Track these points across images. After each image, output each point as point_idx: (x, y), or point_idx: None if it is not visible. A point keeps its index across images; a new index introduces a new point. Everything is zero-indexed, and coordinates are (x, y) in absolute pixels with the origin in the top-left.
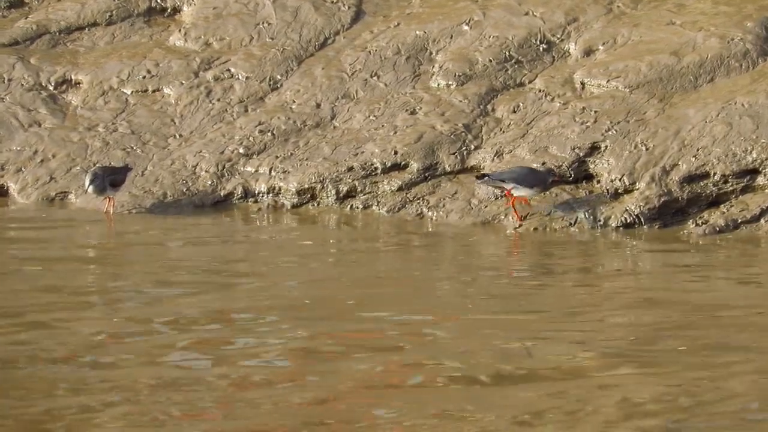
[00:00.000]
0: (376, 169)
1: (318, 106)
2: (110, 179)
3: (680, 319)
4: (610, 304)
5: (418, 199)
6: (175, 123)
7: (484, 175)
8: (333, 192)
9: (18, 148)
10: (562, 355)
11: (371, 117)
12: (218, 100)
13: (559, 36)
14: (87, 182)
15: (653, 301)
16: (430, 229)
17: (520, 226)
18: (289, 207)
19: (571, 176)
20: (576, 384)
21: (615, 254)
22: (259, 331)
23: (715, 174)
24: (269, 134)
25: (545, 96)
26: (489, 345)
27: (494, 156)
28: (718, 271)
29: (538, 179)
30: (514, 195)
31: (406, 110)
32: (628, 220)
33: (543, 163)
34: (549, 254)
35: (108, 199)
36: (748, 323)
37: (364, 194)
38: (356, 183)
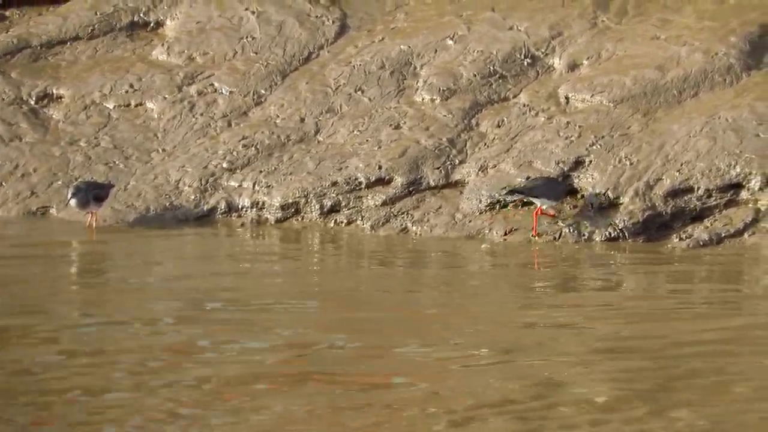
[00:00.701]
0: (360, 183)
1: (302, 120)
2: (94, 193)
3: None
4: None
5: (403, 213)
6: (158, 137)
7: (513, 191)
8: (317, 206)
9: None
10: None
11: (355, 131)
12: (201, 114)
13: (543, 50)
14: (69, 195)
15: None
16: (413, 244)
17: (536, 236)
18: (272, 221)
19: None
20: None
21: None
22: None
23: (698, 188)
24: (253, 149)
25: (529, 110)
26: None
27: (478, 170)
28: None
29: (560, 191)
30: (541, 207)
31: (391, 125)
32: (613, 234)
33: (527, 177)
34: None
35: (91, 214)
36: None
37: (348, 209)
38: (340, 197)
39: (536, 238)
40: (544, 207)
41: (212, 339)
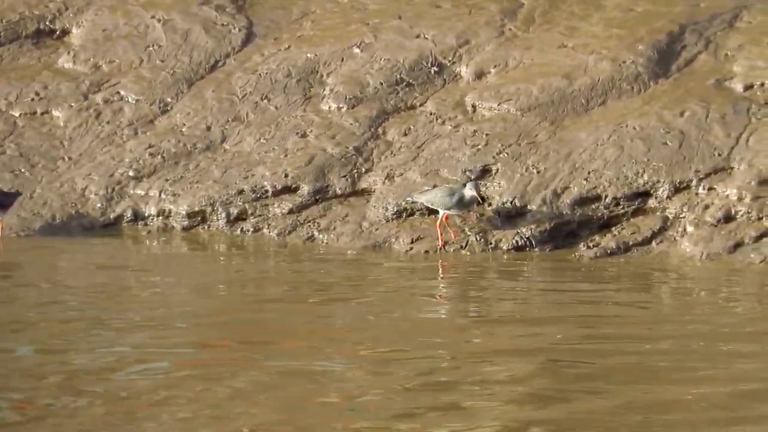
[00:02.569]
0: (266, 192)
1: (208, 128)
2: None
3: None
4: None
5: (309, 222)
6: (64, 145)
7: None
8: (223, 215)
9: None
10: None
11: (262, 140)
12: (108, 122)
13: (450, 59)
14: None
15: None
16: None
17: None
18: (179, 230)
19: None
20: None
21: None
22: None
23: (606, 197)
24: (159, 157)
25: (436, 119)
26: None
27: (385, 179)
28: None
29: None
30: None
31: (297, 133)
32: (520, 243)
33: (434, 185)
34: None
35: None
36: None
37: (255, 217)
38: (247, 206)
39: (443, 248)
40: (450, 213)
41: None
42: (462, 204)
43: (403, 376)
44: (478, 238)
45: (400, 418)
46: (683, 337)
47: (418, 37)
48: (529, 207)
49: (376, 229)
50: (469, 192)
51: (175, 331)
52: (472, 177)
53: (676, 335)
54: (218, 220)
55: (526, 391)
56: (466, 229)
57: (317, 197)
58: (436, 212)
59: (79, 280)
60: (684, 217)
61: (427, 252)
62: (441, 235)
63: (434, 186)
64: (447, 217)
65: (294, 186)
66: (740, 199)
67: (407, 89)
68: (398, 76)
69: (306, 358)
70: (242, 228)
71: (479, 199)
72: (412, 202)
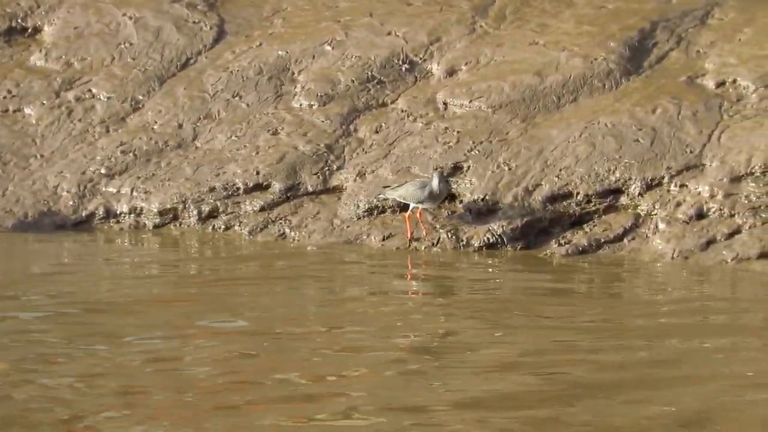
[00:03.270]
0: (238, 189)
1: (180, 126)
2: None
3: None
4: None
5: (281, 219)
6: (36, 143)
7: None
8: (195, 212)
9: None
10: None
11: (233, 137)
12: (80, 120)
13: (421, 56)
14: None
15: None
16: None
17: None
18: (151, 227)
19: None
20: None
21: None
22: None
23: (578, 194)
24: (131, 155)
25: (408, 116)
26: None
27: (356, 176)
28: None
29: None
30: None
31: (269, 130)
32: (491, 240)
33: (405, 182)
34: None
35: None
36: None
37: (226, 214)
38: (218, 203)
39: (413, 243)
40: (421, 207)
41: None
42: (433, 197)
43: None
44: (450, 236)
45: None
46: None
47: (389, 34)
48: (500, 204)
49: (348, 227)
50: (435, 182)
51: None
52: (444, 174)
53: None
54: (190, 217)
55: None
56: (438, 226)
57: (289, 195)
58: (407, 208)
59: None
60: (656, 215)
61: (398, 248)
62: (410, 228)
63: (405, 182)
64: (420, 213)
65: (265, 183)
66: (712, 196)
67: (378, 87)
68: (369, 73)
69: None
70: (214, 225)
71: (448, 186)
72: (384, 199)
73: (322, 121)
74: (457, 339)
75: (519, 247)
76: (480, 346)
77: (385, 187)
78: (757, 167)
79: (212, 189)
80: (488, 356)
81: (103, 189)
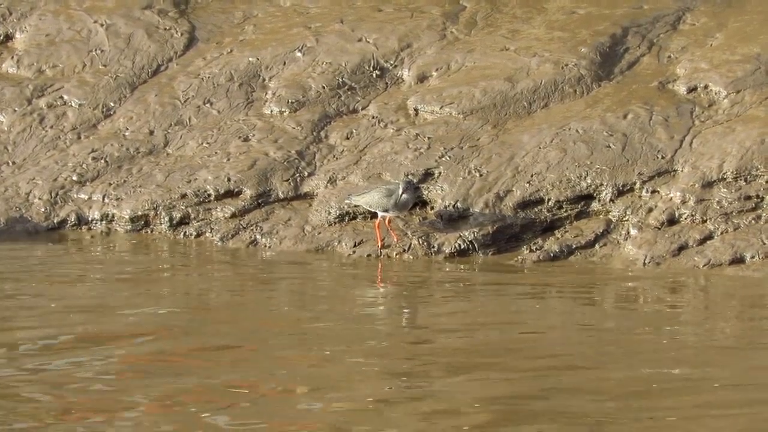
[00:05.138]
0: (209, 195)
1: (151, 133)
2: None
3: None
4: None
5: (252, 225)
6: (8, 150)
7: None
8: (166, 219)
9: None
10: None
11: (204, 144)
12: (51, 127)
13: (392, 62)
14: None
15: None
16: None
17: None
18: (122, 234)
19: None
20: None
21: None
22: None
23: (549, 200)
24: (102, 161)
25: (378, 122)
26: None
27: (327, 182)
28: None
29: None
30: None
31: (240, 137)
32: (462, 247)
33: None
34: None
35: None
36: None
37: (198, 221)
38: (189, 210)
39: (384, 250)
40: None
41: None
42: (398, 206)
43: None
44: (421, 242)
45: None
46: None
47: (360, 40)
48: (471, 210)
49: (319, 233)
50: (400, 192)
51: None
52: (415, 180)
53: None
54: (161, 224)
55: None
56: (409, 233)
57: (260, 201)
58: (377, 215)
59: None
60: (627, 220)
61: (369, 256)
62: (380, 236)
63: (373, 188)
64: (390, 221)
65: (237, 190)
66: (684, 201)
67: (349, 93)
68: (340, 79)
69: None
70: (185, 232)
71: (416, 194)
72: (354, 206)
73: (293, 128)
74: None
75: (490, 253)
76: None
77: (350, 194)
78: (728, 173)
79: (183, 195)
80: None
81: (75, 196)
